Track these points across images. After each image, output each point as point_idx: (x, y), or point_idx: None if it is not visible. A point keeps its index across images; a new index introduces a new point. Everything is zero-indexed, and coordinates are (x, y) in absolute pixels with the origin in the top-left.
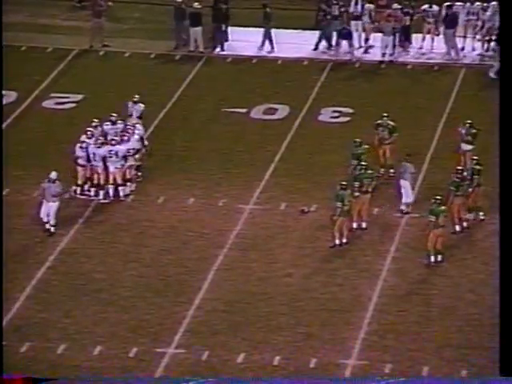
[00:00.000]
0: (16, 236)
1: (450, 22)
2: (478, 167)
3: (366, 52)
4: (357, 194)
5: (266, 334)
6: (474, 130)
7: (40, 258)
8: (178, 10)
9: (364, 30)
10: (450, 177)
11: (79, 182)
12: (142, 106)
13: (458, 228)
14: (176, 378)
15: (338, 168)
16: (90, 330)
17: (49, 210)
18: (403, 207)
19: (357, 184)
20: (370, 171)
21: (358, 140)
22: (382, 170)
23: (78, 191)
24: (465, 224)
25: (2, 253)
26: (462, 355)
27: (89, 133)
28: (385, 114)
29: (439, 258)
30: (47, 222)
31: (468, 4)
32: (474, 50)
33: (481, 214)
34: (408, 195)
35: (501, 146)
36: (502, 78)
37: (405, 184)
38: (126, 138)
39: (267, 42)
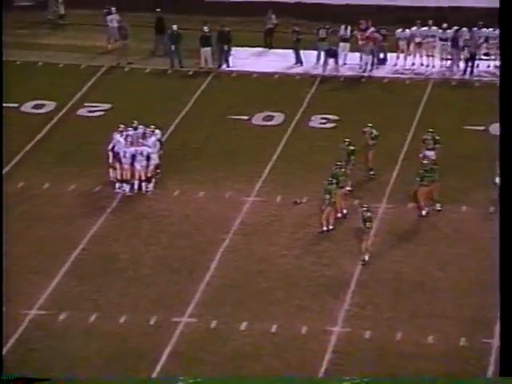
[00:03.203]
0: (55, 223)
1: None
2: (435, 167)
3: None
4: (334, 188)
5: (265, 306)
6: (437, 137)
7: (75, 242)
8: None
9: (348, 49)
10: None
11: (111, 178)
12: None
13: (423, 213)
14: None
15: (325, 166)
16: (116, 302)
17: None
18: None
19: (334, 180)
20: (343, 170)
21: (347, 140)
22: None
23: (117, 187)
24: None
25: (2, 250)
26: (430, 323)
27: (120, 134)
28: (369, 124)
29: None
30: None
31: (428, 28)
32: (433, 67)
33: (438, 205)
34: None
35: (501, 145)
36: (502, 77)
37: None
38: (147, 140)
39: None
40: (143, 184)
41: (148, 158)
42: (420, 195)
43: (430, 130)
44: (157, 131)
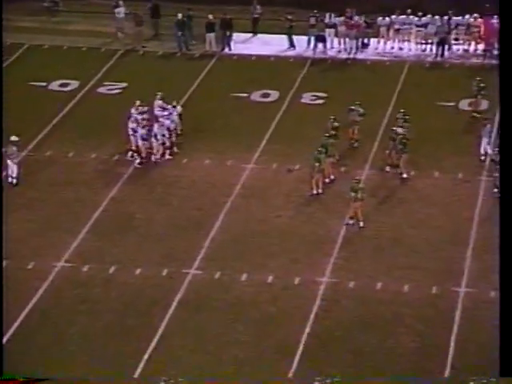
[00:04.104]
0: (78, 187)
1: None
2: (404, 141)
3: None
4: (323, 156)
5: (263, 260)
6: (407, 116)
7: (96, 203)
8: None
9: (336, 35)
10: None
11: (133, 148)
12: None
13: (405, 175)
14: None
15: (315, 138)
16: (132, 256)
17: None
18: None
19: (324, 149)
20: (332, 140)
21: (332, 116)
22: (352, 141)
23: (129, 155)
24: (404, 175)
25: (2, 236)
26: (406, 274)
27: (136, 110)
28: (357, 102)
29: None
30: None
31: (406, 16)
32: (410, 50)
33: (404, 175)
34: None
35: (501, 145)
36: (502, 76)
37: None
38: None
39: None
40: (166, 151)
41: (169, 131)
42: (399, 162)
43: (402, 110)
44: (178, 107)
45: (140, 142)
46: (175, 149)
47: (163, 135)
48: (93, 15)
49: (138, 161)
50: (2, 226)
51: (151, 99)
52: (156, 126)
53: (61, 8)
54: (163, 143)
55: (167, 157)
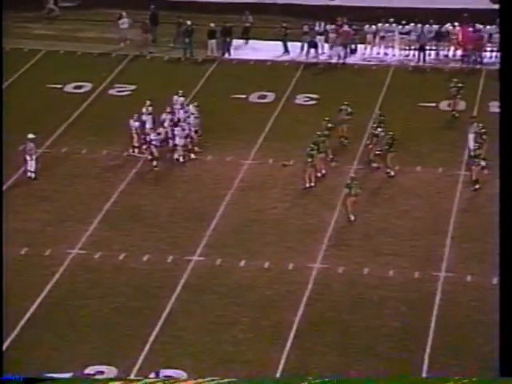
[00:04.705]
0: (91, 180)
1: None
2: (390, 141)
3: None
4: (315, 153)
5: (260, 247)
6: (382, 117)
7: (107, 196)
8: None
9: (326, 41)
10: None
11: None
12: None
13: (392, 173)
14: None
15: (308, 135)
16: (140, 244)
17: None
18: None
19: (315, 146)
20: (323, 138)
21: (327, 118)
22: (342, 139)
23: (137, 152)
24: (391, 173)
25: (1, 235)
26: (391, 260)
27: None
28: (345, 103)
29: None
30: None
31: (390, 24)
32: (394, 55)
33: (392, 172)
34: None
35: (501, 145)
36: (502, 77)
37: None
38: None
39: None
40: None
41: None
42: (387, 159)
43: (378, 111)
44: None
45: (154, 149)
46: (196, 148)
47: (186, 137)
48: (102, 23)
49: (154, 163)
50: (1, 222)
51: (161, 100)
52: (178, 128)
53: (57, 13)
54: (184, 144)
55: (192, 156)
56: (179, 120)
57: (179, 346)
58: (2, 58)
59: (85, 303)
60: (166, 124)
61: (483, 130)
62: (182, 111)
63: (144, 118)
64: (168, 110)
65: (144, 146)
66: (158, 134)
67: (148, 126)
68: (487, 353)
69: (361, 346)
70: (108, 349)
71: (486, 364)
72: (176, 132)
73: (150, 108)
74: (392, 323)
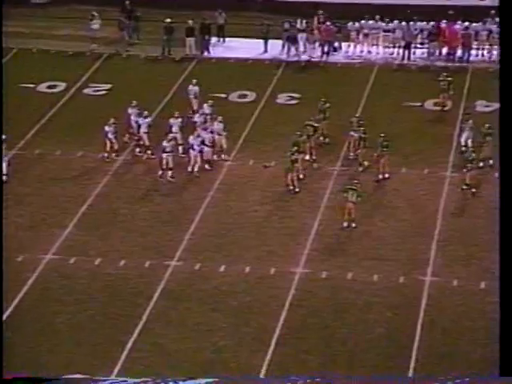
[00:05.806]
0: (66, 183)
1: None
2: (385, 143)
3: (334, 51)
4: (294, 154)
5: (240, 252)
6: (361, 121)
7: (83, 199)
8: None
9: (307, 39)
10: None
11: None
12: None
13: (380, 177)
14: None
15: (289, 136)
16: (117, 249)
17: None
18: None
19: (295, 148)
20: (303, 137)
21: (312, 118)
22: (322, 139)
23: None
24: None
25: (1, 238)
26: (375, 265)
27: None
28: (322, 99)
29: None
30: None
31: (374, 21)
32: (378, 53)
33: (386, 175)
34: None
35: (501, 144)
36: (502, 79)
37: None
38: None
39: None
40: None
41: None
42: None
43: (357, 115)
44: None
45: (164, 155)
46: (224, 156)
47: (201, 143)
48: (75, 20)
49: (169, 174)
50: (1, 222)
51: (140, 101)
52: (194, 136)
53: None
54: (200, 152)
55: (206, 167)
56: (195, 128)
57: (158, 353)
58: (1, 58)
59: (59, 310)
60: (174, 129)
61: (490, 131)
62: (197, 118)
63: (140, 121)
64: (176, 114)
65: (138, 149)
66: (169, 140)
67: (143, 130)
68: (474, 359)
69: (345, 353)
70: (83, 357)
71: (473, 371)
72: (191, 141)
73: (146, 113)
74: (377, 329)
